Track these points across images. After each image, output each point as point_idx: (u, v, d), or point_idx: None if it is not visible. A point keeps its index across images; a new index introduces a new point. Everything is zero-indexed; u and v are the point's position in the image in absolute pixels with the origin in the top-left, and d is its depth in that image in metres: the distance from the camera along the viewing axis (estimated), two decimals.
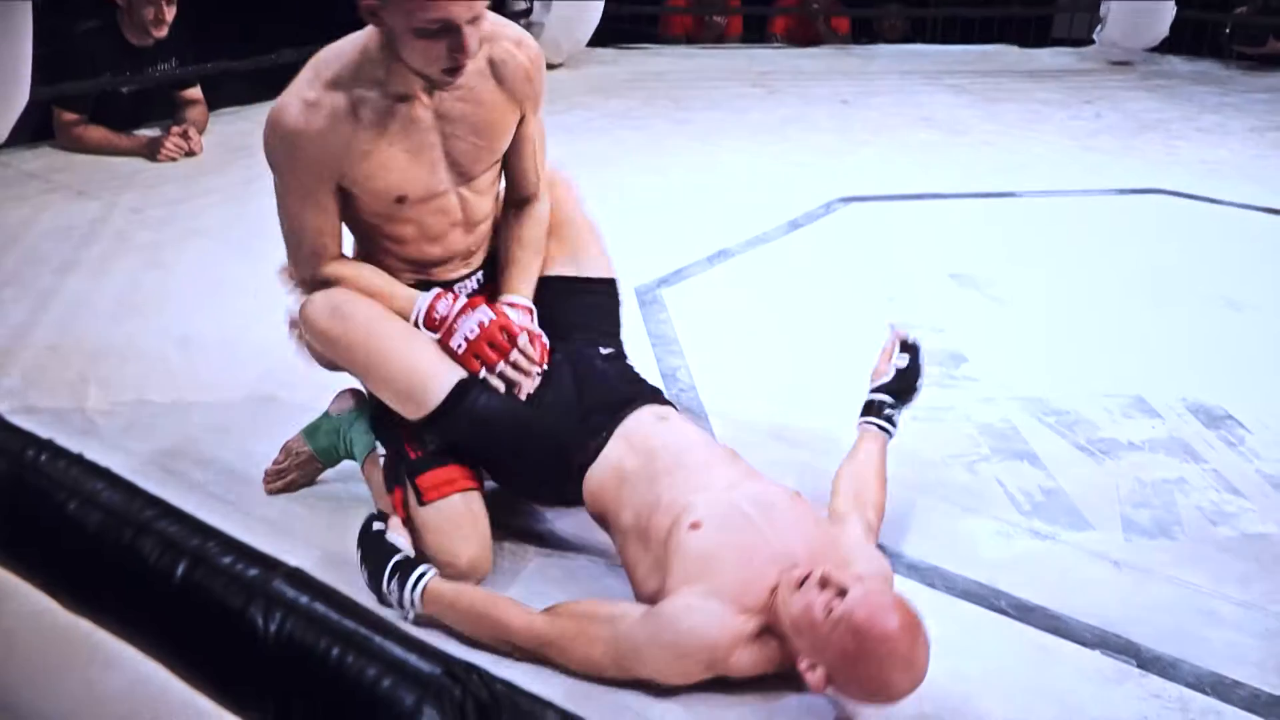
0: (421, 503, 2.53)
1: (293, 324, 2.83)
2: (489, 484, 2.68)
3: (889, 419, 2.71)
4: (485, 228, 2.77)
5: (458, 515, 2.53)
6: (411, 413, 2.55)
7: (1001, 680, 2.32)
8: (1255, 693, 2.31)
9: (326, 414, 2.85)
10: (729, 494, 2.37)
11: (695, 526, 2.28)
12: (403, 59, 2.42)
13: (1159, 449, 3.19)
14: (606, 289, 2.84)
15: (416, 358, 2.55)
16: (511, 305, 2.67)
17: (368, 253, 2.71)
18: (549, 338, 2.67)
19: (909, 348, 2.80)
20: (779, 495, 2.41)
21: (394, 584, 2.34)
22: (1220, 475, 3.07)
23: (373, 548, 2.41)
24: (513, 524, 2.74)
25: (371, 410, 2.73)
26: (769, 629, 2.21)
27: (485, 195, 2.71)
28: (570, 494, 2.55)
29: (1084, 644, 2.43)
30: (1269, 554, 2.76)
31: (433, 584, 2.33)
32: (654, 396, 2.68)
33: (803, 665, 2.14)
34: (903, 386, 2.76)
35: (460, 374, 2.55)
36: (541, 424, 2.56)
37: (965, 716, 2.22)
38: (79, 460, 1.36)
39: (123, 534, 1.28)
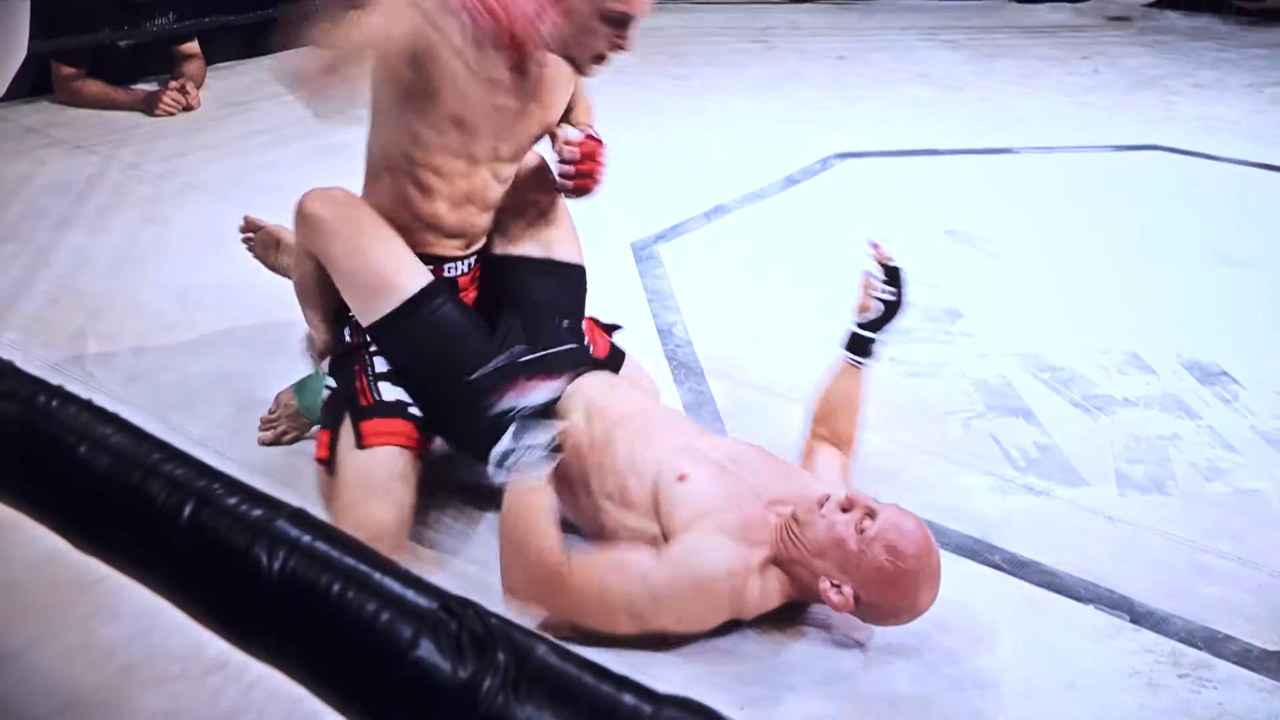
0: (360, 445, 2.47)
1: (308, 337, 2.85)
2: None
3: (870, 353, 2.65)
4: (488, 219, 2.74)
5: (387, 469, 2.45)
6: (376, 310, 2.53)
7: (995, 635, 2.34)
8: (1247, 647, 2.34)
9: (315, 372, 2.86)
10: (698, 446, 2.41)
11: (683, 478, 2.31)
12: (560, 33, 2.44)
13: (1153, 405, 3.21)
14: (575, 274, 2.81)
15: (395, 259, 2.56)
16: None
17: (384, 201, 2.65)
18: (513, 312, 2.66)
19: (892, 275, 2.66)
20: (742, 446, 2.47)
21: (539, 432, 2.26)
22: (1214, 431, 3.09)
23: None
24: (468, 483, 2.72)
25: (334, 350, 2.71)
26: (772, 561, 2.26)
27: (501, 184, 2.70)
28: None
29: (1077, 599, 2.46)
30: (1262, 510, 2.79)
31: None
32: (607, 367, 2.71)
33: (825, 586, 2.19)
34: (889, 320, 2.67)
35: (429, 279, 2.56)
36: (496, 353, 2.53)
37: (959, 670, 2.25)
38: (89, 405, 1.39)
39: (131, 476, 1.30)
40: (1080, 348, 3.49)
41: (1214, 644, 2.34)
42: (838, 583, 2.18)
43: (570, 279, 2.79)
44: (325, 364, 2.81)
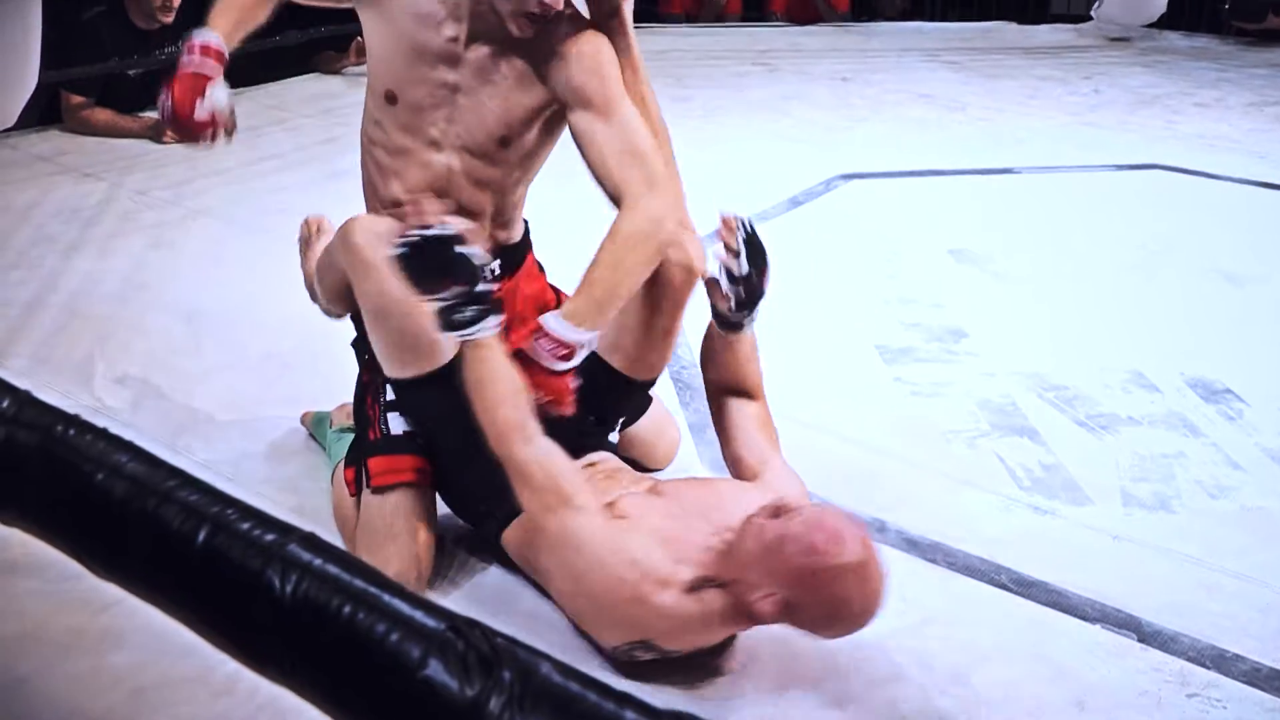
0: (369, 486, 2.45)
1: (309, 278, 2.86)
2: None
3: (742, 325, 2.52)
4: (483, 224, 2.62)
5: (397, 509, 2.42)
6: (402, 368, 2.42)
7: (1002, 655, 2.34)
8: (1256, 666, 2.33)
9: (330, 419, 2.88)
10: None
11: (613, 504, 2.29)
12: None
13: (1158, 423, 3.21)
14: (638, 388, 2.66)
15: (424, 320, 2.34)
16: (544, 325, 2.37)
17: (363, 185, 2.63)
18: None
19: (753, 249, 2.48)
20: (690, 481, 2.45)
21: (472, 310, 2.18)
22: (1219, 449, 3.09)
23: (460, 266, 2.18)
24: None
25: (356, 393, 2.66)
26: (709, 582, 2.14)
27: (475, 185, 2.57)
28: (489, 532, 2.48)
29: (1085, 618, 2.46)
30: (1267, 527, 2.79)
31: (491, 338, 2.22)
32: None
33: (754, 598, 2.09)
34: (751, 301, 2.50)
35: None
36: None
37: (966, 691, 2.25)
38: (105, 434, 1.41)
39: (147, 502, 1.33)
40: (1084, 366, 3.50)
41: (1222, 663, 2.34)
42: (768, 592, 2.08)
43: (630, 391, 2.65)
44: (335, 414, 2.83)
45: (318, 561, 1.25)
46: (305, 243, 3.00)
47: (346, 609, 1.21)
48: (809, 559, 2.04)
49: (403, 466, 2.46)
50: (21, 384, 3.08)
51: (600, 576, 2.16)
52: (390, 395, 2.53)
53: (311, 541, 1.28)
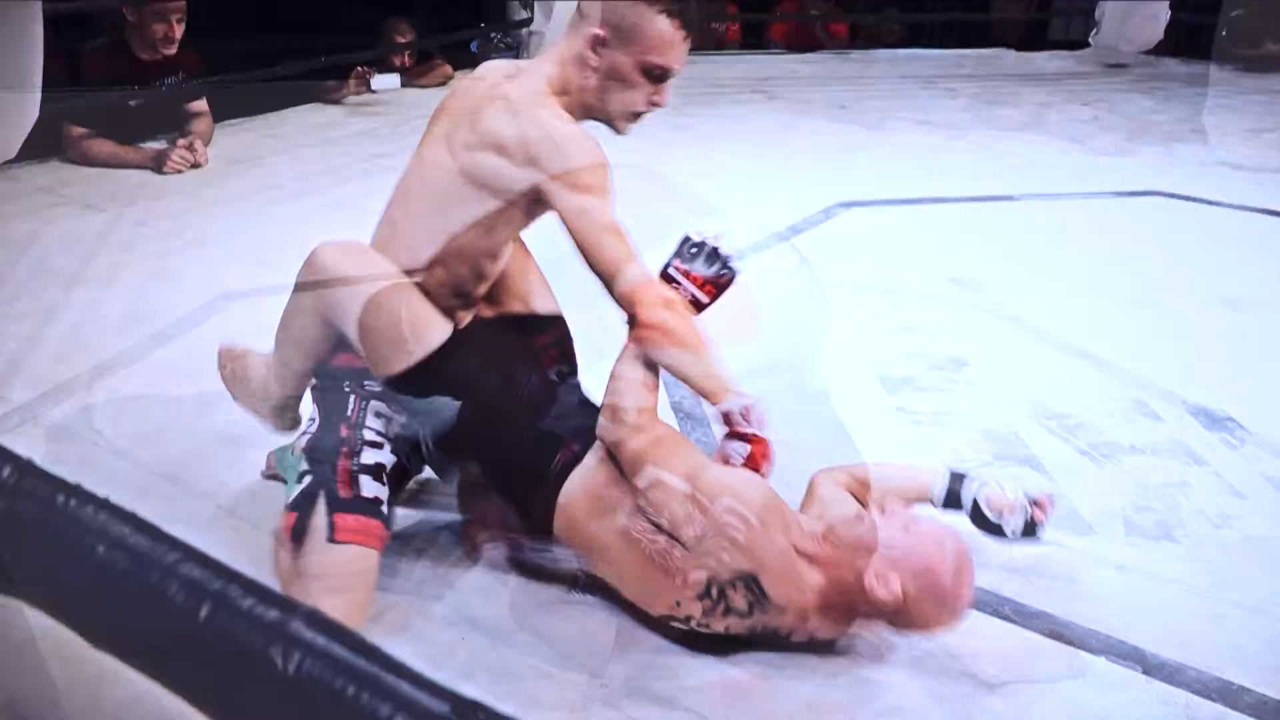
0: (332, 539, 2.46)
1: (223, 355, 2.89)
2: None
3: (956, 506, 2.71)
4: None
5: (352, 566, 2.46)
6: (404, 359, 2.48)
7: (1005, 687, 2.33)
8: (1262, 699, 2.32)
9: (292, 448, 2.85)
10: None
11: (728, 460, 2.46)
12: (598, 93, 2.54)
13: (1161, 452, 3.21)
14: (558, 324, 2.84)
15: (417, 307, 2.50)
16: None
17: (432, 287, 2.60)
18: (521, 364, 2.62)
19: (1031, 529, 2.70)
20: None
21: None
22: (1222, 478, 3.09)
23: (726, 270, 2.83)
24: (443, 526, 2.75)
25: (314, 441, 2.64)
26: (814, 560, 2.32)
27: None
28: (540, 505, 2.49)
29: (1089, 650, 2.45)
30: (1272, 556, 2.78)
31: None
32: None
33: (871, 581, 2.25)
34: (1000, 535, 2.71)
35: (451, 326, 2.53)
36: (524, 407, 2.53)
37: None
38: (106, 504, 1.40)
39: (149, 577, 1.31)
40: (1086, 395, 3.49)
41: (1228, 695, 2.33)
42: (886, 576, 2.25)
43: (556, 330, 2.82)
44: (297, 443, 2.81)
45: (321, 640, 1.25)
46: (232, 377, 2.98)
47: (350, 690, 1.20)
48: (940, 553, 2.28)
49: (373, 530, 2.49)
50: (22, 416, 3.07)
51: (751, 493, 2.33)
52: (367, 459, 2.56)
53: (315, 619, 1.27)
